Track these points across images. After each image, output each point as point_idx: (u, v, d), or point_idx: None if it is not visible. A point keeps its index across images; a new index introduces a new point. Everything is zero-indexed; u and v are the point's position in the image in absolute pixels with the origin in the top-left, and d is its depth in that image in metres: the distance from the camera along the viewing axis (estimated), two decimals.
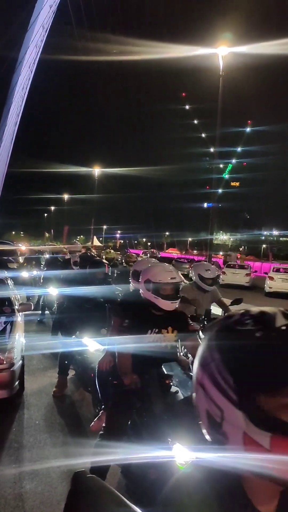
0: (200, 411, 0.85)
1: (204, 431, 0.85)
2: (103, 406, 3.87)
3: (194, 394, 0.88)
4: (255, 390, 0.75)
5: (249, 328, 0.79)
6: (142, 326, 2.94)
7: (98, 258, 6.28)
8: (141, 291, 3.06)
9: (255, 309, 0.85)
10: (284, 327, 0.77)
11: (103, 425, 3.16)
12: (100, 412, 3.95)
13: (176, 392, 2.73)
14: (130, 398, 2.78)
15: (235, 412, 0.77)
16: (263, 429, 0.74)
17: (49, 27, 25.30)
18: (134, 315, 2.99)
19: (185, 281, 5.08)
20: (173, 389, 2.76)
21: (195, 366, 0.87)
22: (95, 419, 4.05)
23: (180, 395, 2.71)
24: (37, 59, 25.29)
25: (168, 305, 2.94)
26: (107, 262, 6.46)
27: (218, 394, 0.79)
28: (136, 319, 2.95)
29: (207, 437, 0.85)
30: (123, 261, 9.93)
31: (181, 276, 3.28)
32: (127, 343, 2.88)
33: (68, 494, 1.24)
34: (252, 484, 0.82)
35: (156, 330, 2.98)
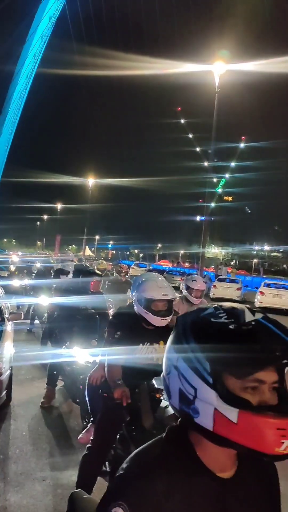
0: (173, 390, 0.97)
1: (173, 406, 0.98)
2: (91, 419, 3.83)
3: (165, 375, 1.00)
4: (227, 373, 0.88)
5: (223, 321, 0.91)
6: (133, 339, 2.94)
7: (91, 268, 6.28)
8: (134, 302, 3.06)
9: (226, 304, 0.98)
10: (251, 323, 0.89)
11: (91, 438, 3.13)
12: (89, 425, 3.92)
13: (166, 406, 2.71)
14: (119, 412, 2.77)
15: (209, 391, 0.89)
16: (232, 406, 0.86)
17: (47, 38, 25.58)
18: (126, 327, 2.99)
19: (178, 297, 5.10)
20: (163, 403, 2.74)
21: (169, 351, 1.00)
22: (83, 432, 4.01)
23: (170, 410, 2.70)
24: (35, 69, 25.49)
25: (158, 321, 2.91)
26: (99, 273, 6.45)
27: (194, 376, 0.91)
28: (128, 332, 2.95)
29: (176, 411, 0.97)
30: (114, 272, 9.91)
31: (174, 293, 3.24)
32: (118, 355, 2.87)
33: None
34: (196, 437, 0.95)
35: (148, 344, 2.98)
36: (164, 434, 1.01)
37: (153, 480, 0.89)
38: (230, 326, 0.88)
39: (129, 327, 2.98)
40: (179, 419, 1.00)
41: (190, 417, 0.92)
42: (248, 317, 0.91)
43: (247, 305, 0.97)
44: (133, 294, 3.08)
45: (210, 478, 0.93)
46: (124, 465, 0.95)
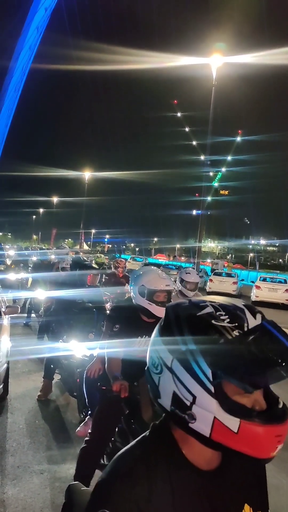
0: (164, 391, 0.92)
1: (161, 406, 0.94)
2: (89, 412, 3.83)
3: (154, 372, 0.95)
4: (227, 380, 0.85)
5: (226, 325, 0.85)
6: (132, 332, 2.93)
7: (88, 262, 6.26)
8: (132, 296, 3.05)
9: (223, 301, 0.92)
10: (256, 329, 0.85)
11: (89, 431, 3.13)
12: (87, 418, 3.92)
13: None
14: (118, 405, 2.76)
15: (210, 399, 0.85)
16: (233, 416, 0.84)
17: (43, 30, 25.30)
18: (124, 320, 2.98)
19: (176, 288, 5.11)
20: None
21: (159, 348, 0.93)
22: (81, 425, 4.01)
23: None
24: (31, 61, 25.25)
25: (162, 312, 2.93)
26: (97, 266, 6.44)
27: (194, 382, 0.86)
28: (126, 325, 2.94)
29: (164, 411, 0.93)
30: (112, 265, 9.88)
31: (174, 283, 3.31)
32: (117, 348, 2.87)
33: (62, 507, 1.22)
34: (180, 433, 0.93)
35: (146, 337, 2.97)
36: (147, 432, 0.99)
37: (136, 484, 0.87)
38: (235, 332, 0.84)
39: (128, 320, 2.98)
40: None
41: (184, 421, 0.89)
42: (250, 320, 0.86)
43: (244, 302, 0.93)
44: (131, 287, 3.07)
45: (195, 473, 0.92)
46: (106, 469, 0.93)
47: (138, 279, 3.02)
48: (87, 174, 54.17)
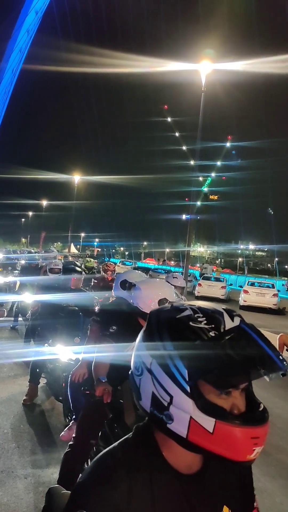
0: (144, 392, 0.94)
1: (142, 408, 0.95)
2: (74, 416, 3.83)
3: (135, 375, 0.97)
4: (203, 380, 0.86)
5: (203, 326, 0.87)
6: (129, 334, 2.89)
7: (73, 266, 6.24)
8: (140, 303, 2.94)
9: (203, 305, 0.93)
10: (232, 330, 0.87)
11: (73, 435, 3.12)
12: (71, 422, 3.91)
13: None
14: (101, 409, 2.76)
15: (186, 399, 0.87)
16: (208, 416, 0.85)
17: (34, 33, 25.29)
18: (122, 323, 2.93)
19: None
20: None
21: (140, 349, 0.95)
22: (65, 429, 4.00)
23: None
24: (21, 64, 25.20)
25: None
26: (86, 270, 6.42)
27: (171, 382, 0.88)
28: (124, 327, 2.89)
29: (145, 413, 0.95)
30: (101, 269, 9.85)
31: None
32: (106, 351, 2.83)
33: (42, 510, 1.23)
34: (161, 437, 0.94)
35: None
36: (129, 435, 0.99)
37: (115, 486, 0.87)
38: (211, 333, 0.86)
39: (125, 323, 2.92)
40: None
41: (163, 422, 0.90)
42: (228, 322, 0.88)
43: (224, 306, 0.95)
44: (137, 294, 2.95)
45: (175, 477, 0.93)
46: (86, 470, 0.94)
47: (152, 290, 2.87)
48: (77, 178, 54.06)
